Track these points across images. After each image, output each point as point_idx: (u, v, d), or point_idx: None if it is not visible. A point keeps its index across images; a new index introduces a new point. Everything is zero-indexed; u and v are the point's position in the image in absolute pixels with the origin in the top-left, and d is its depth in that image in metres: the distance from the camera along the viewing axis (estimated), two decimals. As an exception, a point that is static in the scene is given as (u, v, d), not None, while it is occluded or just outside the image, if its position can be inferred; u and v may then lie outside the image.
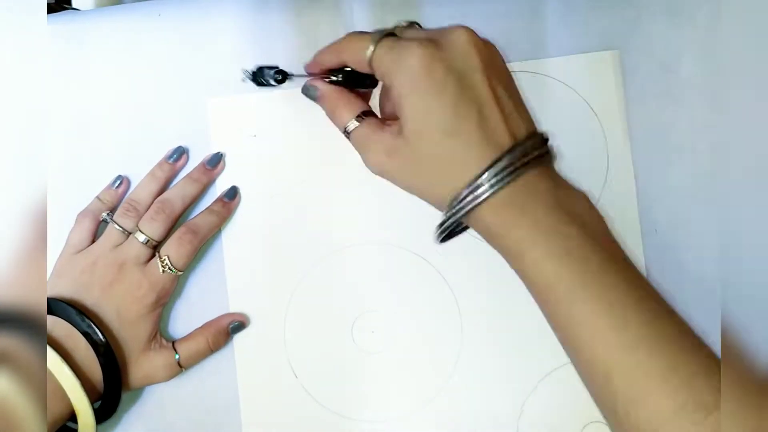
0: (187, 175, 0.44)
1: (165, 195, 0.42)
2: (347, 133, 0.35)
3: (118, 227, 0.41)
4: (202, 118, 0.45)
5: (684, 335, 0.30)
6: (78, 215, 0.43)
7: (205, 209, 0.43)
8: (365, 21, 0.44)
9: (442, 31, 0.33)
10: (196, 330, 0.43)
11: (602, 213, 0.32)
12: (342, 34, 0.44)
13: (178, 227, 0.42)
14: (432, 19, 0.44)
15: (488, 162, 0.30)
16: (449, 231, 0.34)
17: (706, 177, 0.44)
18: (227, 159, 0.45)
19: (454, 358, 0.44)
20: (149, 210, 0.42)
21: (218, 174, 0.44)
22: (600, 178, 0.44)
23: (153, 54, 0.45)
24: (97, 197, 0.43)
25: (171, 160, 0.44)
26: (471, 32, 0.32)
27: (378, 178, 0.40)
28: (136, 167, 0.44)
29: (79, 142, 0.44)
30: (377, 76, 0.34)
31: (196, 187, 0.43)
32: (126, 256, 0.41)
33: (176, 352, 0.42)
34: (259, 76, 0.37)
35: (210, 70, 0.44)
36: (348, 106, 0.35)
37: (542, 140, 0.33)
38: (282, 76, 0.37)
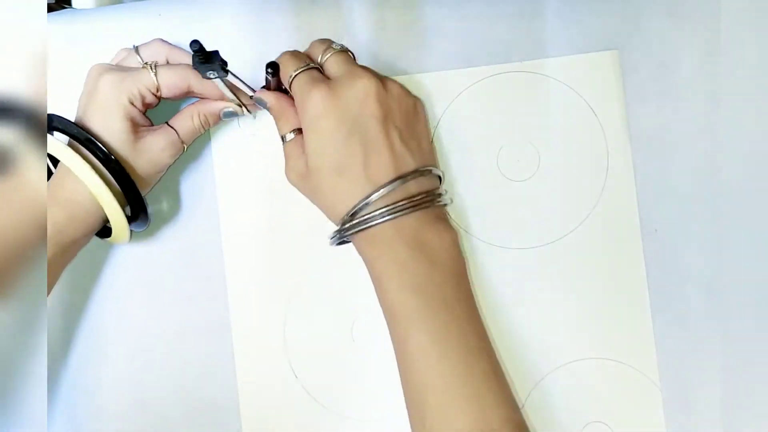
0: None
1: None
2: (283, 141, 0.41)
3: (138, 57, 0.41)
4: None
5: (489, 369, 0.36)
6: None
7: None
8: (365, 21, 0.44)
9: (352, 76, 0.38)
10: (187, 107, 0.42)
11: (464, 253, 0.40)
12: (341, 35, 0.44)
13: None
14: (432, 19, 0.44)
15: (365, 195, 0.37)
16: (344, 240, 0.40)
17: (706, 176, 0.44)
18: (227, 160, 0.45)
19: None
20: None
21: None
22: (600, 178, 0.44)
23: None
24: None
25: None
26: (377, 83, 0.38)
27: None
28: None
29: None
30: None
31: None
32: (124, 65, 0.41)
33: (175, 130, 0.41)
34: (205, 59, 0.37)
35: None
36: (289, 119, 0.40)
37: (426, 174, 0.39)
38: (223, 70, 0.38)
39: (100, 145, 0.38)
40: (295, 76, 0.39)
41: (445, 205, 0.40)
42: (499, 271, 0.44)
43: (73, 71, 0.44)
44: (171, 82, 0.40)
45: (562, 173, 0.44)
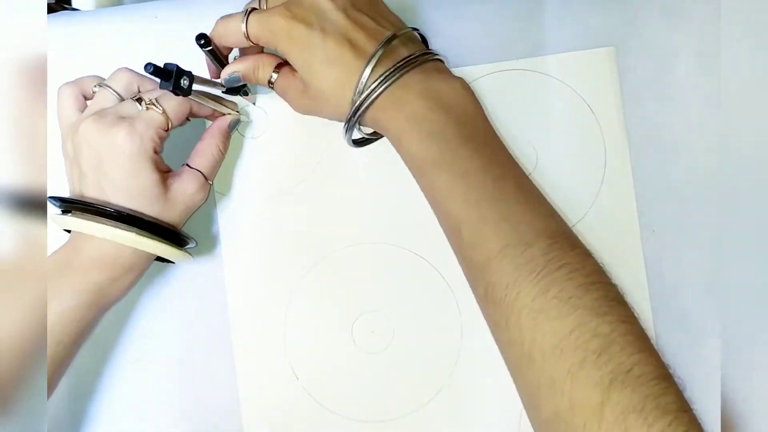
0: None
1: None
2: (271, 85, 0.42)
3: (111, 91, 0.39)
4: (200, 120, 0.45)
5: (519, 191, 0.37)
6: (59, 88, 0.40)
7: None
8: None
9: None
10: (201, 143, 0.42)
11: (478, 97, 0.40)
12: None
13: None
14: (429, 20, 0.45)
15: (362, 69, 0.38)
16: (362, 140, 0.43)
17: (705, 176, 0.44)
18: (225, 164, 0.44)
19: (454, 358, 0.44)
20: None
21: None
22: (598, 174, 0.44)
23: (151, 55, 0.45)
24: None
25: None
26: None
27: (376, 178, 0.44)
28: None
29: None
30: (260, 44, 0.40)
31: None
32: (108, 111, 0.38)
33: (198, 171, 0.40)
34: (165, 75, 0.37)
35: (207, 72, 0.45)
36: (264, 64, 0.41)
37: (408, 38, 0.40)
38: (188, 84, 0.38)
39: (139, 218, 0.37)
40: (248, 20, 0.39)
41: (441, 60, 0.40)
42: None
43: (73, 72, 0.45)
44: (178, 113, 0.39)
45: (560, 170, 0.44)
